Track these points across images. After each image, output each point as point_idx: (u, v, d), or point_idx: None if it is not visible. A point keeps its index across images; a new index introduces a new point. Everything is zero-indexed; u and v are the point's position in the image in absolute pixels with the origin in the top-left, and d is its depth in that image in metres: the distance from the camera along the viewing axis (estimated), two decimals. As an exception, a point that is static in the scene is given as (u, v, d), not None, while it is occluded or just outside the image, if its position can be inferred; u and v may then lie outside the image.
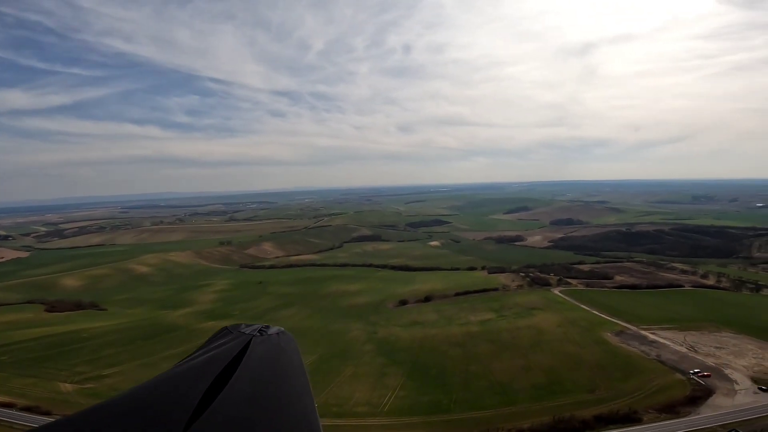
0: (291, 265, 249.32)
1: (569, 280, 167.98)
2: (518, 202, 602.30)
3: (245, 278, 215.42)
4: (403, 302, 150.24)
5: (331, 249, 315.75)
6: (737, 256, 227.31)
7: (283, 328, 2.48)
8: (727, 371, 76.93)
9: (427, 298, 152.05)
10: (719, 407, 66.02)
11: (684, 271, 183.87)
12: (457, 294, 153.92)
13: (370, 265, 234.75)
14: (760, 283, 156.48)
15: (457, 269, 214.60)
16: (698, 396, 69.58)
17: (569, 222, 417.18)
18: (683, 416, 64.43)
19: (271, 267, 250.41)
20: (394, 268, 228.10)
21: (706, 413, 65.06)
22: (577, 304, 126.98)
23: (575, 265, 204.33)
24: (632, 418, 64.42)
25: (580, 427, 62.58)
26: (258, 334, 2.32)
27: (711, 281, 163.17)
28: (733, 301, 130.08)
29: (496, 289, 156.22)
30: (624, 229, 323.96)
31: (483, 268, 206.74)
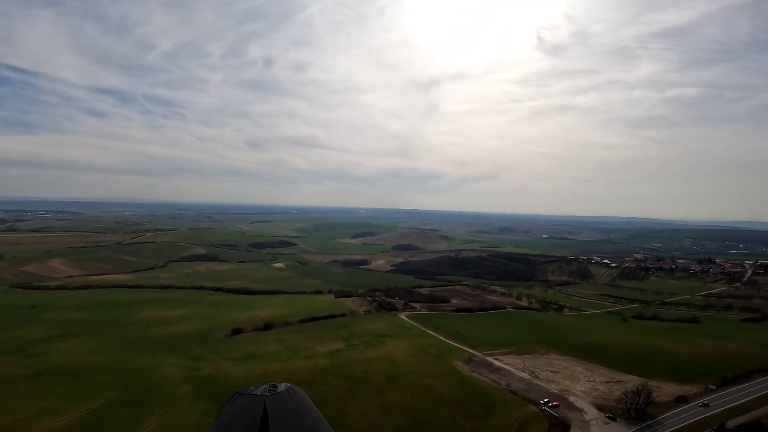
0: (88, 287, 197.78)
1: (413, 304, 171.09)
2: (364, 227, 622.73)
3: (12, 301, 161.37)
4: (238, 331, 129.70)
5: (152, 269, 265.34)
6: (537, 279, 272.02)
7: (290, 384, 2.49)
8: (572, 399, 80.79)
9: (268, 326, 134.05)
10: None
11: (503, 294, 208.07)
12: (302, 321, 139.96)
13: (200, 288, 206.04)
14: (560, 303, 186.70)
15: (303, 293, 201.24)
16: (558, 432, 69.36)
17: (408, 247, 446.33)
18: None
19: (59, 288, 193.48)
20: (230, 291, 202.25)
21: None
22: (424, 329, 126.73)
23: (416, 289, 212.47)
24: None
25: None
26: (269, 393, 2.33)
27: (524, 302, 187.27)
28: (547, 321, 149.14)
29: (344, 315, 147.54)
30: (453, 255, 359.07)
31: (330, 292, 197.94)
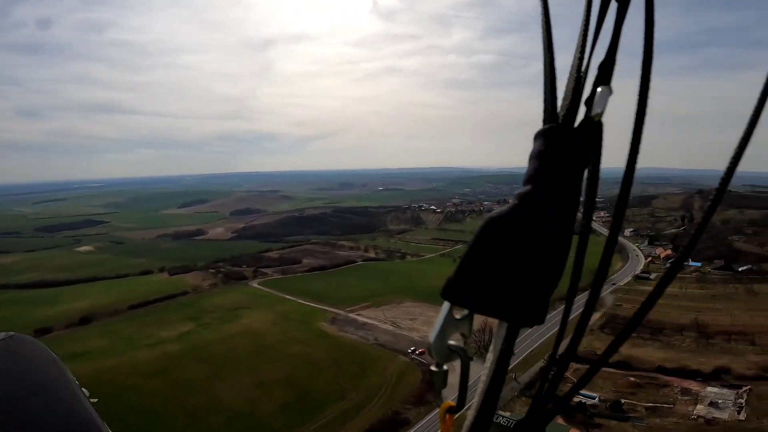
0: None
1: (264, 269, 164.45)
2: (194, 195, 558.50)
3: None
4: (45, 331, 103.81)
5: None
6: (379, 229, 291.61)
7: (15, 333, 1.81)
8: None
9: (86, 319, 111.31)
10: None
11: (351, 248, 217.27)
12: (133, 307, 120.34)
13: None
14: (402, 251, 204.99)
15: (126, 275, 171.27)
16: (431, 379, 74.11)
17: (249, 212, 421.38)
18: (436, 407, 65.68)
19: None
20: (21, 287, 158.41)
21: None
22: (281, 295, 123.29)
23: (264, 254, 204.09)
24: (401, 420, 61.51)
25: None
26: None
27: (372, 254, 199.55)
28: (394, 270, 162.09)
29: (186, 293, 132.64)
30: (297, 215, 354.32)
31: (162, 270, 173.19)
